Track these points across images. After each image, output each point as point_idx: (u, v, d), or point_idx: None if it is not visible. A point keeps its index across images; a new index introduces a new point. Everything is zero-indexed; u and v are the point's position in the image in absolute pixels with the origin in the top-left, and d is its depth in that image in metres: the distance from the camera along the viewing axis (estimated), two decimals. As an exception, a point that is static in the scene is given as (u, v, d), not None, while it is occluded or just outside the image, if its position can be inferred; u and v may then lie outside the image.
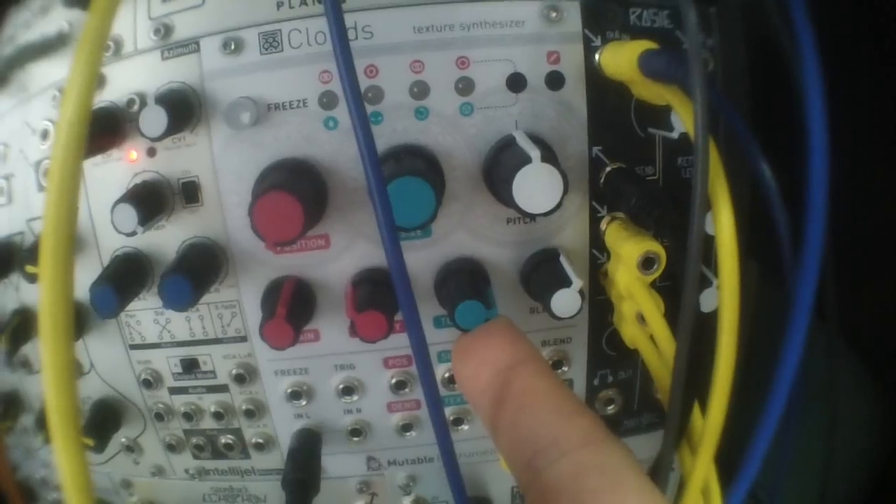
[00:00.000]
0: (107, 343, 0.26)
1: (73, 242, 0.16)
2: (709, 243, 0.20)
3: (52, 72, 0.26)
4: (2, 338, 0.27)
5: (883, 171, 0.34)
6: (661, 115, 0.23)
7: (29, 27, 0.28)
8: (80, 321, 0.25)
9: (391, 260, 0.17)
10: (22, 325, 0.27)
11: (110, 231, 0.24)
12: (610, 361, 0.25)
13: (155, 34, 0.23)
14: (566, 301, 0.21)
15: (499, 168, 0.21)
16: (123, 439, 0.27)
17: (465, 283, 0.22)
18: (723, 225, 0.19)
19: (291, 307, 0.22)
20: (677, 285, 0.21)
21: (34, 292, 0.27)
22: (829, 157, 0.20)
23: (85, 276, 0.25)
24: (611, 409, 0.25)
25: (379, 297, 0.22)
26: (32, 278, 0.25)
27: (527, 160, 0.20)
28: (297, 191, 0.21)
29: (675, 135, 0.23)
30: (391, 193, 0.20)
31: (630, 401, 0.26)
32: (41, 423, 0.28)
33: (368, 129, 0.17)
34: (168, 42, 0.23)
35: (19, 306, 0.28)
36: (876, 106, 0.32)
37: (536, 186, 0.20)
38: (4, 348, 0.27)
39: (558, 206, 0.20)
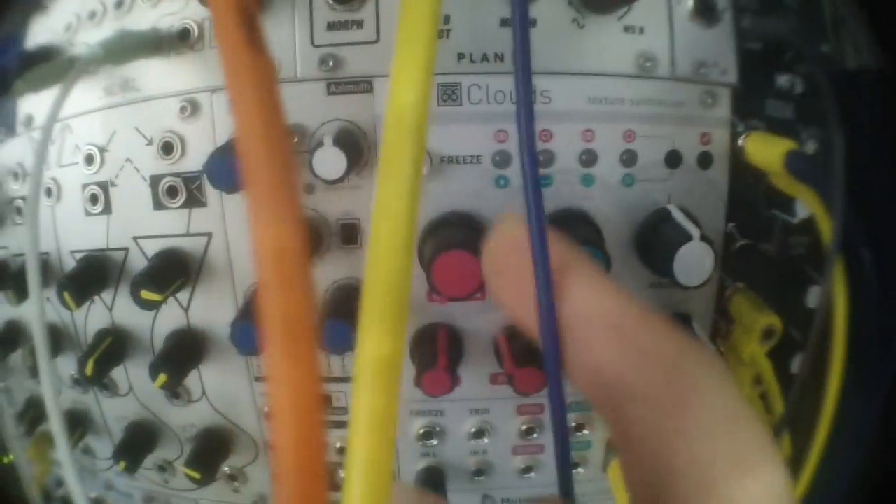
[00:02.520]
0: (226, 373, 0.25)
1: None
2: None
3: (177, 77, 0.24)
4: (89, 361, 0.25)
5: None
6: (785, 200, 0.25)
7: (129, 11, 0.25)
8: (198, 349, 0.24)
9: (543, 322, 0.14)
10: (111, 347, 0.26)
11: (245, 264, 0.23)
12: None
13: (321, 64, 0.22)
14: (701, 365, 0.24)
15: (657, 240, 0.23)
16: (227, 468, 0.26)
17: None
18: (838, 318, 0.22)
19: (450, 356, 0.23)
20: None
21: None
22: None
23: (218, 310, 0.24)
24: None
25: (535, 351, 0.23)
26: (149, 305, 0.23)
27: (688, 237, 0.22)
28: (476, 249, 0.21)
29: (795, 220, 0.25)
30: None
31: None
32: (123, 450, 0.26)
33: (540, 198, 0.15)
34: (336, 76, 0.22)
35: (110, 326, 0.26)
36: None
37: (693, 262, 0.22)
38: (90, 373, 0.25)
39: (708, 279, 0.22)
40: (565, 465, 0.16)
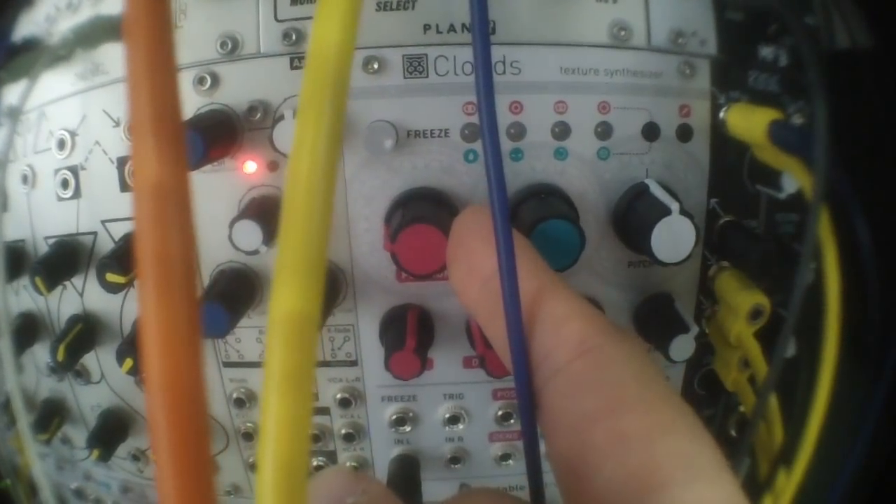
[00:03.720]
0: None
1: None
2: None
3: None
4: (60, 347, 0.25)
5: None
6: (770, 175, 0.24)
7: (103, -1, 0.25)
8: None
9: (507, 299, 0.14)
10: (82, 333, 0.25)
11: (212, 245, 0.23)
12: (698, 399, 0.26)
13: (284, 39, 0.22)
14: (684, 346, 0.23)
15: (634, 215, 0.22)
16: (198, 457, 0.25)
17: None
18: (831, 291, 0.21)
19: (419, 338, 0.22)
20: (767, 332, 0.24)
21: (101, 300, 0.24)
22: None
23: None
24: (692, 441, 0.27)
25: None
26: (114, 288, 0.23)
27: (666, 211, 0.21)
28: (442, 224, 0.20)
29: (782, 195, 0.24)
30: (539, 235, 0.20)
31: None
32: (96, 439, 0.26)
33: (501, 170, 0.14)
34: (299, 50, 0.22)
35: (80, 312, 0.26)
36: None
37: (673, 237, 0.21)
38: (62, 358, 0.25)
39: (689, 256, 0.21)
40: (536, 476, 0.15)
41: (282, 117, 0.20)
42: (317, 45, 0.11)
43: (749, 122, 0.22)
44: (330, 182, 0.10)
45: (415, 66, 0.22)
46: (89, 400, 0.27)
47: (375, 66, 0.21)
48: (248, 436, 0.25)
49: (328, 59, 0.11)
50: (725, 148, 0.24)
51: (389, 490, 0.13)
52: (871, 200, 0.24)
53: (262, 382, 0.09)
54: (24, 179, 0.26)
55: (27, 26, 0.29)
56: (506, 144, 0.22)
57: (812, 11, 0.26)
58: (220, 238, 0.22)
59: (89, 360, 0.26)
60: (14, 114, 0.24)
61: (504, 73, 0.22)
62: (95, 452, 0.26)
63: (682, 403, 0.12)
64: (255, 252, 0.21)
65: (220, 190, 0.22)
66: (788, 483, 0.23)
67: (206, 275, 0.23)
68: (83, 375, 0.26)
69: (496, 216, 0.14)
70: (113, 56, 0.24)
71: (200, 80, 0.22)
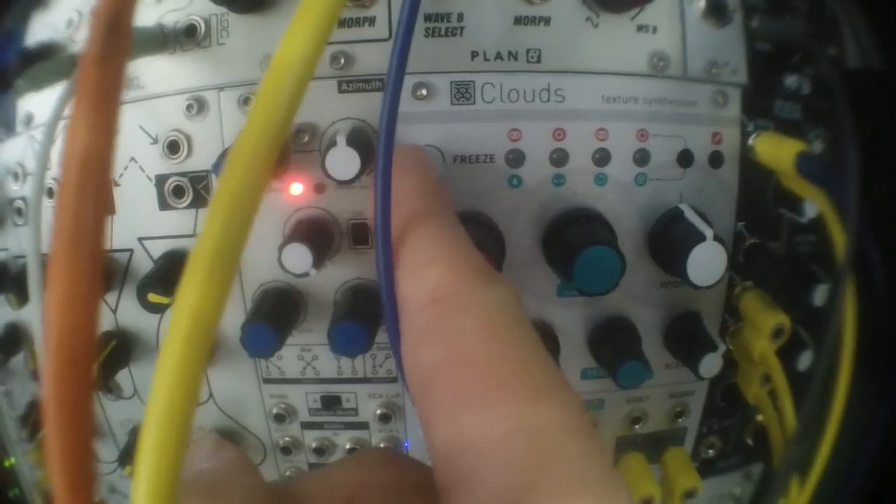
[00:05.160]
0: (233, 375, 0.24)
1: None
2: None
3: (182, 75, 0.23)
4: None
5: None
6: (793, 200, 0.25)
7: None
8: (205, 352, 0.24)
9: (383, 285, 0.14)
10: (116, 350, 0.25)
11: (256, 264, 0.23)
12: (719, 411, 0.28)
13: (333, 62, 0.22)
14: (713, 363, 0.24)
15: (670, 240, 0.23)
16: (234, 472, 0.26)
17: (625, 343, 0.24)
18: (847, 326, 0.22)
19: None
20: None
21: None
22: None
23: (225, 312, 0.23)
24: (711, 451, 0.28)
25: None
26: (156, 308, 0.23)
27: (700, 238, 0.22)
28: (488, 249, 0.21)
29: (803, 219, 0.25)
30: (584, 260, 0.21)
31: (727, 445, 0.29)
32: (129, 455, 0.26)
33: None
34: (348, 74, 0.22)
35: (113, 328, 0.25)
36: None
37: (706, 262, 0.22)
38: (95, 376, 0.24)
39: (720, 279, 0.22)
40: None
41: (334, 143, 0.21)
42: (280, 55, 0.10)
43: (777, 152, 0.23)
44: (258, 189, 0.10)
45: (462, 92, 0.22)
46: (119, 415, 0.27)
47: (424, 91, 0.22)
48: (287, 450, 0.25)
49: (286, 72, 0.10)
50: (752, 174, 0.25)
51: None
52: (882, 222, 0.25)
53: (155, 374, 0.09)
54: (50, 193, 0.26)
55: (44, 30, 0.28)
56: (548, 170, 0.23)
57: (833, 40, 0.27)
58: (264, 257, 0.23)
59: (121, 375, 0.26)
60: (50, 126, 0.23)
61: (548, 100, 0.22)
62: (128, 468, 0.26)
63: (535, 361, 0.10)
64: (305, 275, 0.21)
65: (264, 210, 0.22)
66: (802, 491, 0.25)
67: (247, 292, 0.23)
68: (114, 391, 0.26)
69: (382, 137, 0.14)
70: (148, 70, 0.24)
71: (246, 101, 0.22)
